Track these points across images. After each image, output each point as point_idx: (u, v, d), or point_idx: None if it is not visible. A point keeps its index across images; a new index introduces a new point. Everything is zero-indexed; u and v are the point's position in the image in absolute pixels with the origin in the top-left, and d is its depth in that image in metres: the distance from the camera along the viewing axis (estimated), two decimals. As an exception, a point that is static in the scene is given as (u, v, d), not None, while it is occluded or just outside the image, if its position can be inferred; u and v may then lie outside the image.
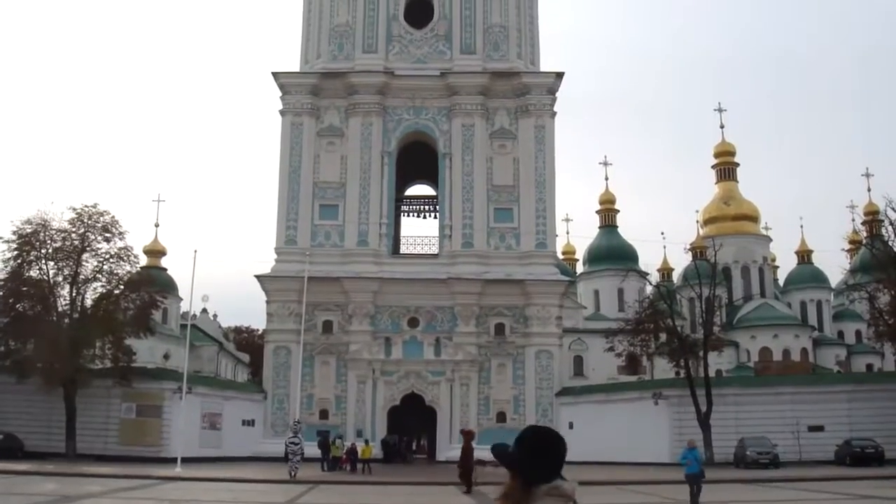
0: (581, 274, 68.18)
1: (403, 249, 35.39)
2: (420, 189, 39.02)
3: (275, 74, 34.44)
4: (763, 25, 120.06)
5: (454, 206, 32.95)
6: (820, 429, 30.37)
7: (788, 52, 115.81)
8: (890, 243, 44.91)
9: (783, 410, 30.55)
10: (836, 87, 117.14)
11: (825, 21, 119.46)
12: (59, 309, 31.02)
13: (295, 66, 35.78)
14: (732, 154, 71.49)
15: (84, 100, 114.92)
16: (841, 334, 65.79)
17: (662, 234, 68.29)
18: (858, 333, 62.64)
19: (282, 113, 34.31)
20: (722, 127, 70.27)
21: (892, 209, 44.01)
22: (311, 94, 34.11)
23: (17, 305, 31.48)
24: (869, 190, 65.82)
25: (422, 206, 37.89)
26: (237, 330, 76.54)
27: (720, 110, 70.08)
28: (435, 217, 35.79)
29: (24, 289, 31.10)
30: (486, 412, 32.01)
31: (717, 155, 71.50)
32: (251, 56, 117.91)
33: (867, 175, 67.53)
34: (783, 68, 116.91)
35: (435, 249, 33.87)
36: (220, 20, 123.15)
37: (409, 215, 37.87)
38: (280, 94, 34.48)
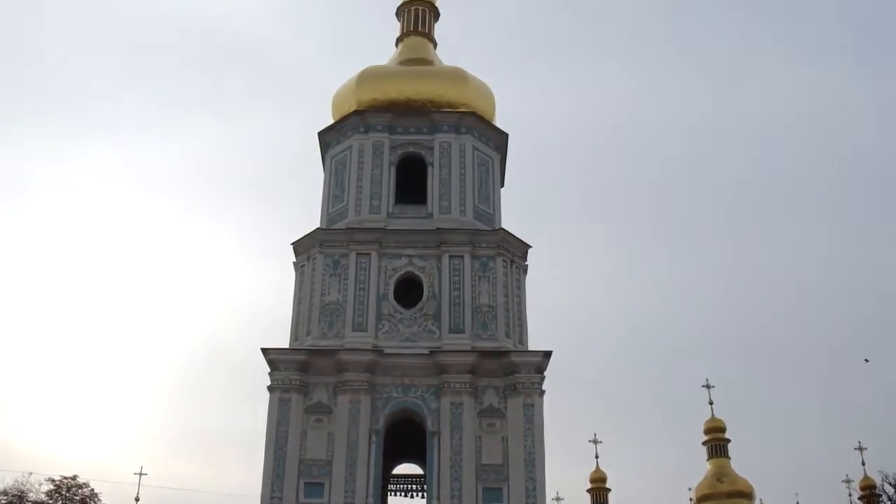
0: (573, 555, 66.06)
1: (390, 530, 34.34)
2: (407, 468, 38.29)
3: (264, 350, 34.46)
4: (748, 304, 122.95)
5: (442, 486, 32.01)
6: None
7: (775, 326, 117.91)
8: (889, 518, 44.07)
9: None
10: (825, 363, 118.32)
11: (810, 297, 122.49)
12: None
13: (284, 342, 35.89)
14: (723, 430, 71.28)
15: (64, 369, 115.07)
16: None
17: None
18: None
19: (270, 389, 34.02)
20: (711, 403, 70.58)
21: (889, 483, 43.54)
22: (300, 371, 34.00)
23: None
24: (863, 464, 65.20)
25: (409, 485, 37.05)
26: None
27: (708, 386, 70.64)
28: (422, 496, 34.80)
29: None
30: None
31: (707, 431, 71.30)
32: (239, 331, 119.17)
33: (860, 448, 67.00)
34: (770, 342, 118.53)
35: (422, 530, 32.82)
36: (207, 298, 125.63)
37: (396, 494, 36.93)
38: (269, 369, 34.29)
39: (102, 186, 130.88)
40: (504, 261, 36.63)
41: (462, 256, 36.31)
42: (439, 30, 48.10)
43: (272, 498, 32.14)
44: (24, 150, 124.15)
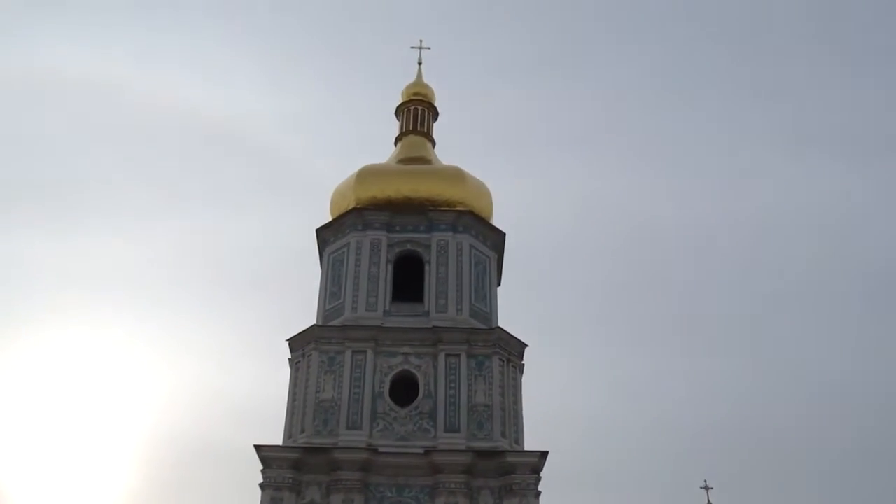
0: None
1: None
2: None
3: (258, 447, 33.98)
4: (747, 405, 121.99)
5: (436, 590, 31.45)
6: None
7: (775, 427, 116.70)
8: None
9: None
10: (827, 464, 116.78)
11: (812, 398, 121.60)
12: None
13: (276, 439, 35.45)
14: (720, 534, 70.28)
15: (49, 461, 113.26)
16: None
17: None
18: None
19: (262, 487, 33.45)
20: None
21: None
22: (294, 469, 33.48)
23: None
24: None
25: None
26: None
27: (706, 488, 69.49)
28: None
29: None
30: None
31: (705, 538, 70.29)
32: (231, 426, 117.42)
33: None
34: (769, 443, 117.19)
35: None
36: (199, 392, 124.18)
37: None
38: (261, 467, 33.80)
39: (96, 275, 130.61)
40: (500, 360, 36.53)
41: (458, 355, 36.22)
42: (438, 129, 48.98)
43: None
44: (23, 236, 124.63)
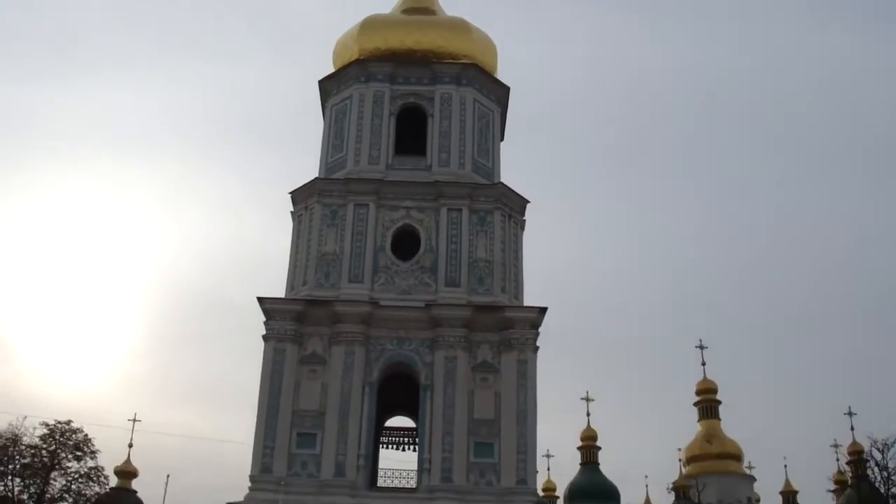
0: (562, 511, 66.58)
1: (381, 482, 34.10)
2: (400, 421, 38.29)
3: (260, 300, 34.25)
4: (745, 266, 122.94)
5: (434, 440, 32.01)
6: None
7: (771, 290, 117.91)
8: (876, 484, 44.42)
9: None
10: (818, 328, 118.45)
11: (808, 262, 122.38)
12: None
13: (279, 292, 35.69)
14: (714, 391, 71.48)
15: (63, 314, 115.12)
16: (832, 580, 63.76)
17: (646, 476, 67.25)
18: (850, 580, 60.53)
19: (265, 338, 33.90)
20: (703, 364, 70.66)
21: (877, 449, 43.76)
22: (296, 321, 33.82)
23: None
24: (852, 429, 64.94)
25: (401, 439, 37.10)
26: (205, 559, 73.37)
27: (701, 347, 70.63)
28: (414, 450, 34.67)
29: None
30: None
31: (698, 392, 71.49)
32: (238, 279, 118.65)
33: (850, 413, 66.80)
34: (765, 306, 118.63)
35: (413, 483, 32.63)
36: (206, 245, 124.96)
37: (387, 447, 36.93)
38: (264, 319, 34.12)
39: (99, 126, 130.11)
40: (502, 215, 36.39)
41: (460, 210, 36.07)
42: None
43: (265, 448, 32.10)
44: (33, 88, 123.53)
